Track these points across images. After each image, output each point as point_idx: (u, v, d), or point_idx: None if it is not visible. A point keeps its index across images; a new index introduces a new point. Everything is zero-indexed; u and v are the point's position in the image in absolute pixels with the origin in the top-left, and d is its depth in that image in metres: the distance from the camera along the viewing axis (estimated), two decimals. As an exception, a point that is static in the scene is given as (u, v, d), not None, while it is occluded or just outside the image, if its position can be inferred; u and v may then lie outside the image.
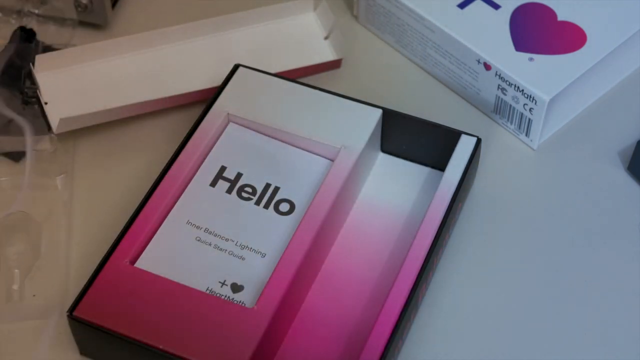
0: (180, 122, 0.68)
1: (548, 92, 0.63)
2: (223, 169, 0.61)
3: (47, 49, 0.70)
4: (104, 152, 0.67)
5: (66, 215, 0.62)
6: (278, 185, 0.60)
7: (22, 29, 0.71)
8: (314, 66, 0.70)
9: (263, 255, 0.57)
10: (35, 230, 0.61)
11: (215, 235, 0.58)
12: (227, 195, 0.60)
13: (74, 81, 0.67)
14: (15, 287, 0.58)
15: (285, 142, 0.62)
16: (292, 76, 0.68)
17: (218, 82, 0.66)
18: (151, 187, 0.59)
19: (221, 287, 0.56)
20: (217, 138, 0.62)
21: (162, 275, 0.55)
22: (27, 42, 0.70)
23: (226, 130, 0.63)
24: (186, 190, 0.60)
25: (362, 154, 0.61)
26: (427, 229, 0.57)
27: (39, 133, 0.65)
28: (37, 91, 0.65)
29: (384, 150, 0.65)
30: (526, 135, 0.66)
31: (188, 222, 0.58)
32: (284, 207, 0.59)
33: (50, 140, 0.65)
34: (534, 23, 0.68)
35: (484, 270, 0.61)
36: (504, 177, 0.65)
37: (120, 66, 0.68)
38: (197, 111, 0.67)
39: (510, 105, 0.66)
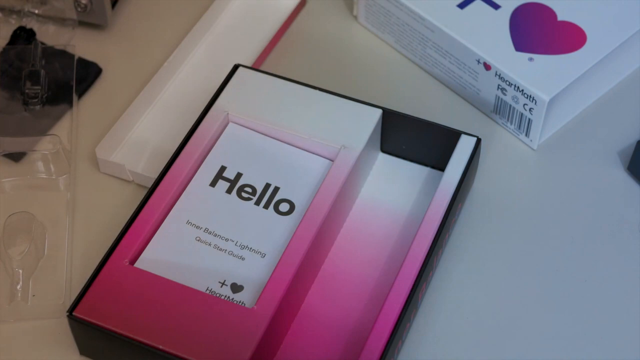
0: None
1: (548, 92, 0.63)
2: (223, 169, 0.61)
3: (47, 49, 0.70)
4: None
5: (68, 216, 0.62)
6: (278, 185, 0.60)
7: (22, 29, 0.71)
8: (289, 17, 0.73)
9: (263, 256, 0.57)
10: (39, 231, 0.61)
11: (215, 235, 0.58)
12: (227, 195, 0.60)
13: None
14: (19, 287, 0.58)
15: (285, 142, 0.62)
16: (278, 37, 0.72)
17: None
18: (151, 187, 0.59)
19: (221, 287, 0.56)
20: (217, 138, 0.62)
21: (162, 275, 0.55)
22: (27, 42, 0.70)
23: (226, 130, 0.63)
24: (186, 190, 0.60)
25: (362, 154, 0.61)
26: (426, 229, 0.57)
27: (40, 133, 0.66)
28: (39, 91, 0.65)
29: (384, 150, 0.65)
30: (526, 135, 0.66)
31: (188, 222, 0.58)
32: (284, 207, 0.59)
33: (52, 140, 0.65)
34: (533, 23, 0.68)
35: (483, 270, 0.61)
36: (503, 177, 0.65)
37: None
38: (197, 111, 0.68)
39: (510, 105, 0.66)
